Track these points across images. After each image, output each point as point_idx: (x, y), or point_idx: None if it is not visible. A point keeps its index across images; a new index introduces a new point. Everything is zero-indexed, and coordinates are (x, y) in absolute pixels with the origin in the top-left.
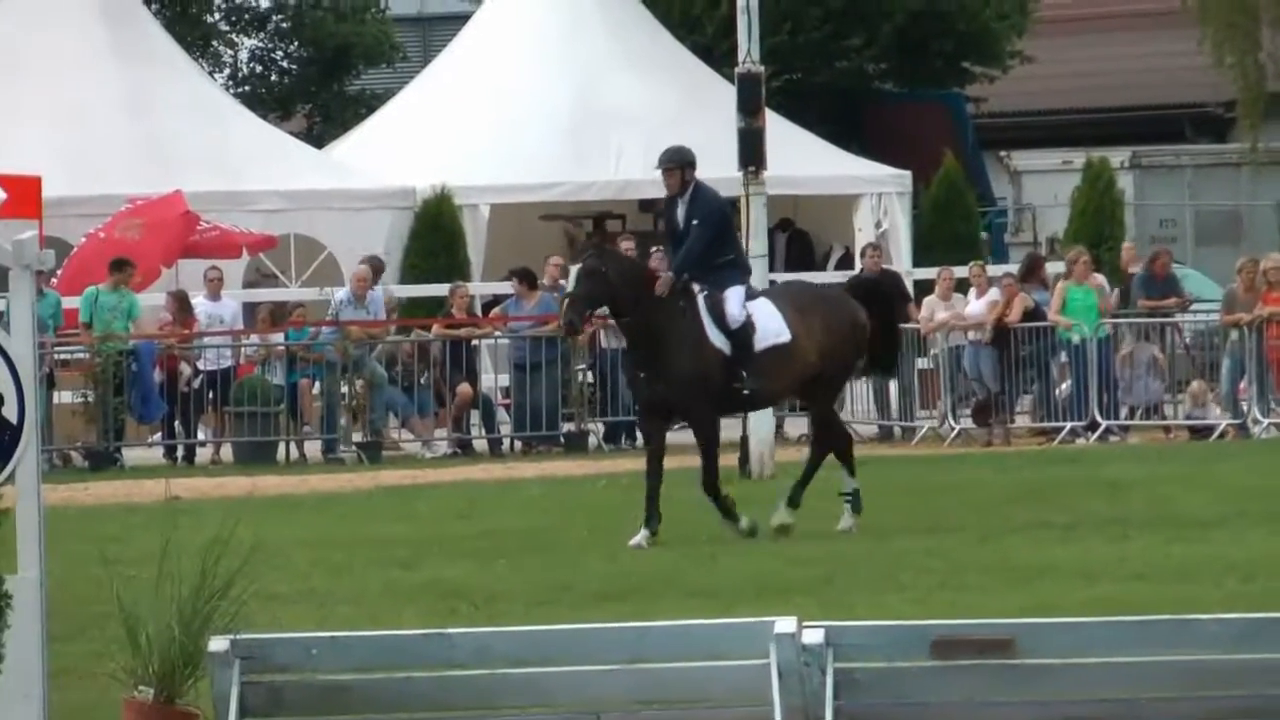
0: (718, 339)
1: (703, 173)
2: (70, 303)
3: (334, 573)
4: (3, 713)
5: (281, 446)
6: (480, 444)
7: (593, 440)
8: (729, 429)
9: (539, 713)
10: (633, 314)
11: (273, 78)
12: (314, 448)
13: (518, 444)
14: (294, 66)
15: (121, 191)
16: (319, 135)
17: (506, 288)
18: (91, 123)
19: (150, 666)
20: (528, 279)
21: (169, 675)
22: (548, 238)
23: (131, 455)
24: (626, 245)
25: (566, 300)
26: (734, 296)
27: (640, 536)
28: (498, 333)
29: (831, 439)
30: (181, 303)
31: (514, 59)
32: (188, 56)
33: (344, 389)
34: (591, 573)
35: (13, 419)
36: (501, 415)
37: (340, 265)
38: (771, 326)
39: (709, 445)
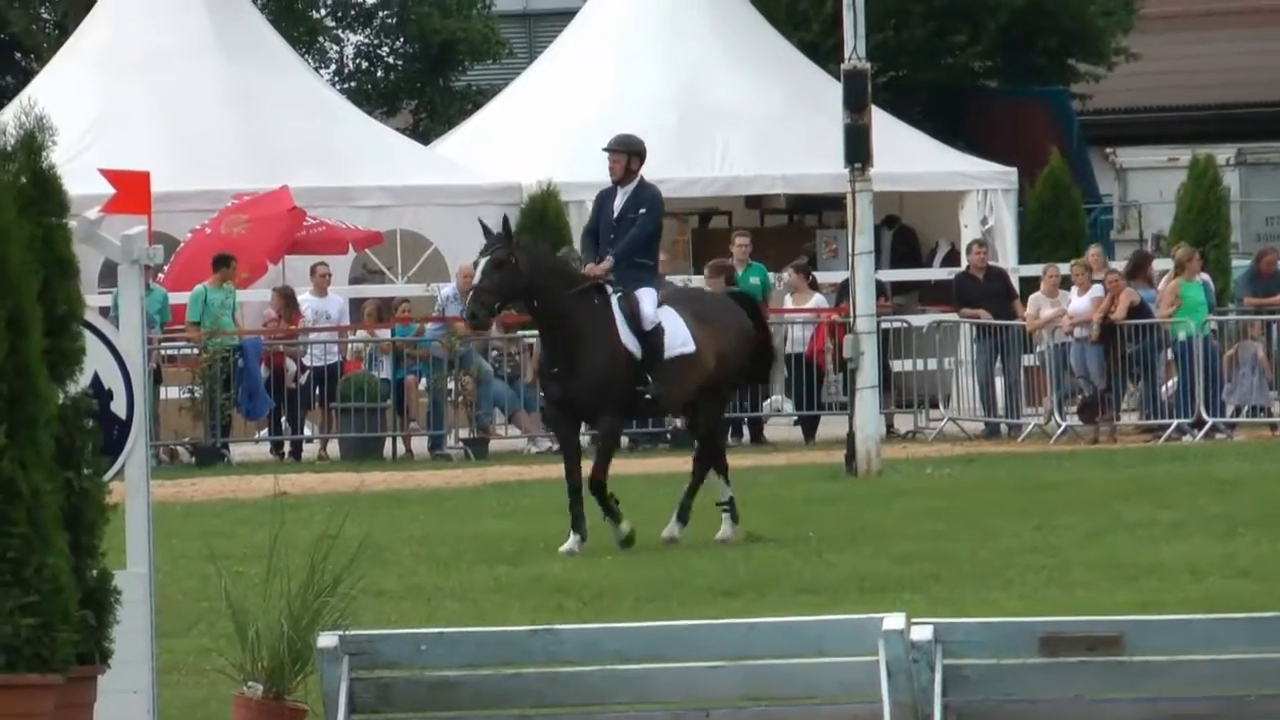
0: (629, 341)
1: (808, 169)
2: (177, 298)
3: (441, 569)
4: (112, 708)
5: (388, 442)
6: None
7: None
8: (836, 425)
9: (647, 709)
10: (546, 307)
11: (378, 73)
12: (420, 444)
13: (623, 440)
14: (400, 62)
15: (228, 187)
16: (425, 131)
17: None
18: (197, 119)
19: (259, 662)
20: None
21: (278, 671)
22: None
23: (238, 451)
24: (741, 241)
25: (471, 293)
26: (648, 297)
27: (571, 542)
28: None
29: (713, 449)
30: (288, 299)
31: (620, 55)
32: (294, 52)
33: (450, 385)
34: (698, 569)
35: (122, 414)
36: None
37: (446, 261)
38: (679, 335)
39: (609, 445)
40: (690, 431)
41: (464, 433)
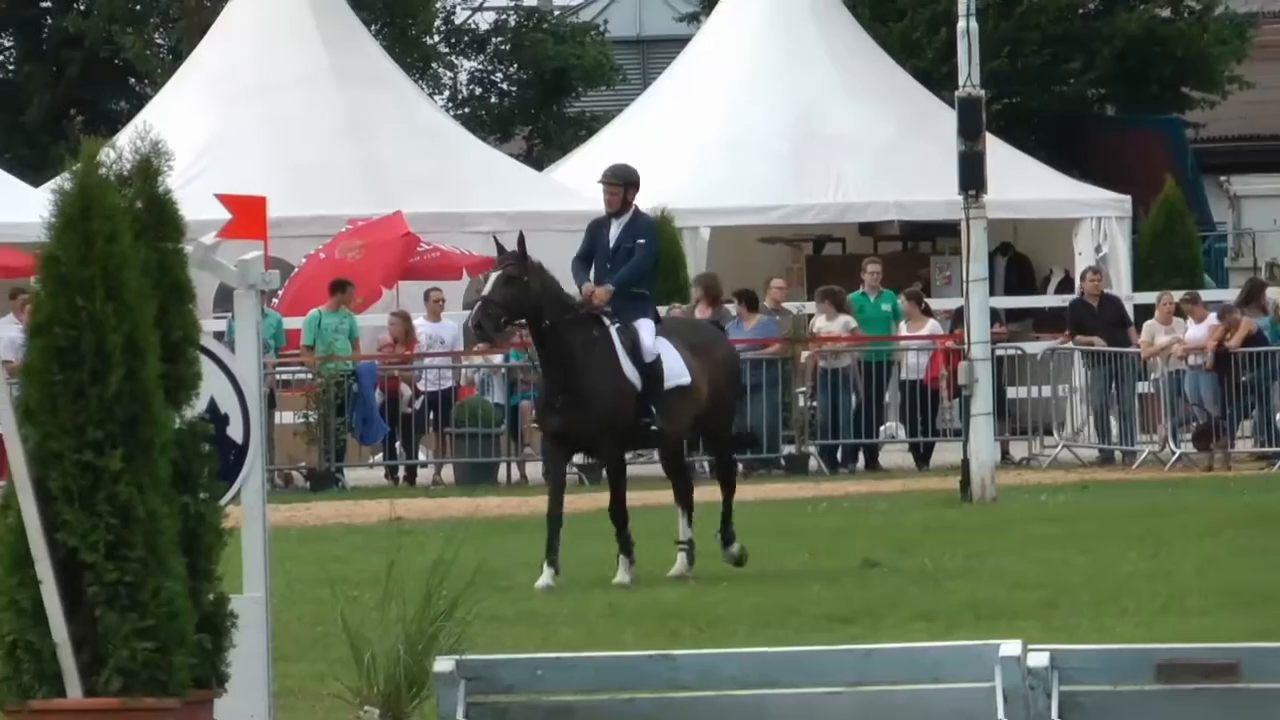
0: (631, 373)
1: (922, 195)
2: (292, 323)
3: (555, 594)
4: None
5: (503, 467)
6: (701, 466)
7: (813, 463)
8: (951, 452)
9: None
10: (550, 331)
11: (492, 100)
12: (535, 469)
13: (738, 466)
14: (513, 88)
15: (342, 213)
16: (538, 157)
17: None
18: (312, 144)
19: (375, 687)
20: (748, 301)
21: (394, 696)
22: (768, 260)
23: (353, 476)
24: (873, 268)
25: (479, 303)
26: (647, 329)
27: (546, 576)
28: None
29: (727, 475)
30: (403, 324)
31: (734, 82)
32: (408, 78)
33: None
34: (813, 595)
35: (238, 439)
36: None
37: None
38: (675, 367)
39: (619, 477)
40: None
41: (578, 458)
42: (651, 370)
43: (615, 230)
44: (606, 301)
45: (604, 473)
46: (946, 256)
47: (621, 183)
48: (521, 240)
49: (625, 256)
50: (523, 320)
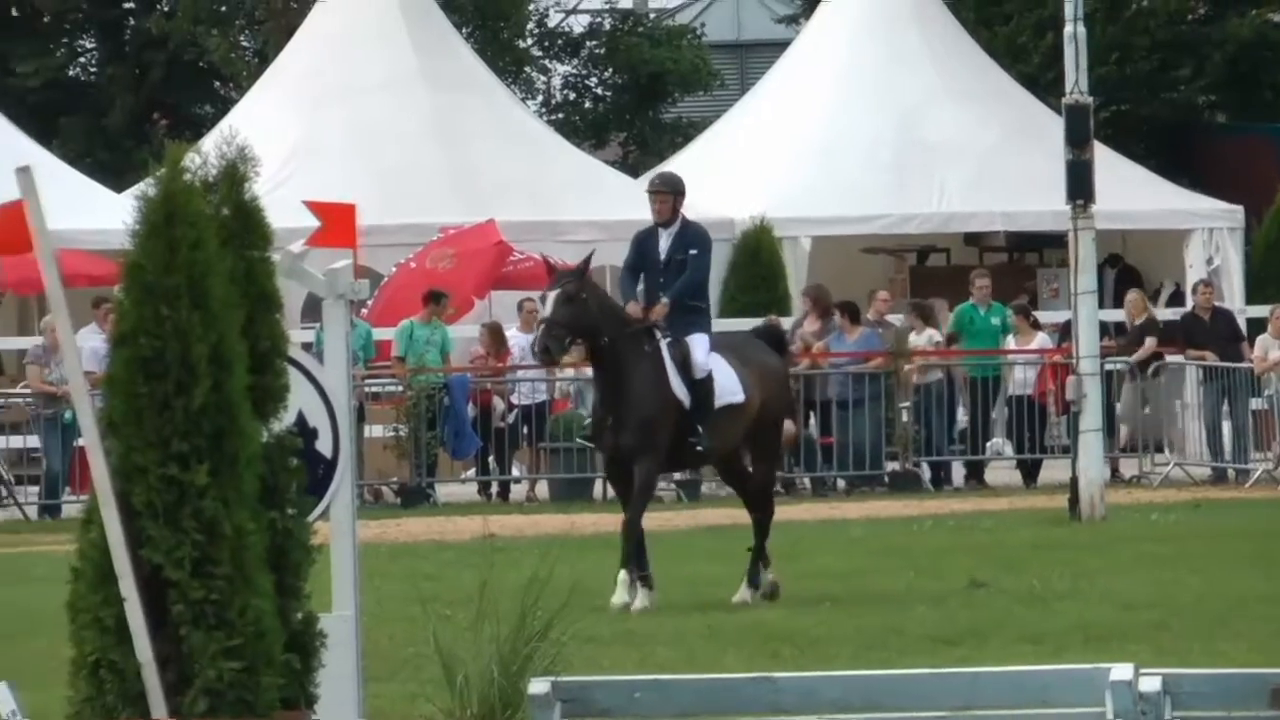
0: (680, 389)
1: (1030, 205)
2: (381, 334)
3: (653, 614)
4: None
5: (598, 484)
6: (803, 482)
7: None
8: (1059, 469)
9: None
10: (608, 348)
11: (586, 105)
12: None
13: (841, 483)
14: (608, 93)
15: (433, 221)
16: (634, 164)
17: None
18: (402, 150)
19: (468, 709)
20: (850, 313)
21: (488, 718)
22: (870, 271)
23: (444, 491)
24: (982, 282)
25: (543, 325)
26: (700, 344)
27: (640, 597)
28: (820, 368)
29: (765, 505)
30: (495, 335)
31: (835, 88)
32: (500, 82)
33: None
34: (918, 616)
35: (327, 453)
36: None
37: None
38: (728, 385)
39: (646, 495)
40: (740, 483)
41: (676, 475)
42: (701, 387)
43: (665, 241)
44: (664, 316)
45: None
46: (1054, 268)
47: (671, 191)
48: (588, 259)
49: (678, 268)
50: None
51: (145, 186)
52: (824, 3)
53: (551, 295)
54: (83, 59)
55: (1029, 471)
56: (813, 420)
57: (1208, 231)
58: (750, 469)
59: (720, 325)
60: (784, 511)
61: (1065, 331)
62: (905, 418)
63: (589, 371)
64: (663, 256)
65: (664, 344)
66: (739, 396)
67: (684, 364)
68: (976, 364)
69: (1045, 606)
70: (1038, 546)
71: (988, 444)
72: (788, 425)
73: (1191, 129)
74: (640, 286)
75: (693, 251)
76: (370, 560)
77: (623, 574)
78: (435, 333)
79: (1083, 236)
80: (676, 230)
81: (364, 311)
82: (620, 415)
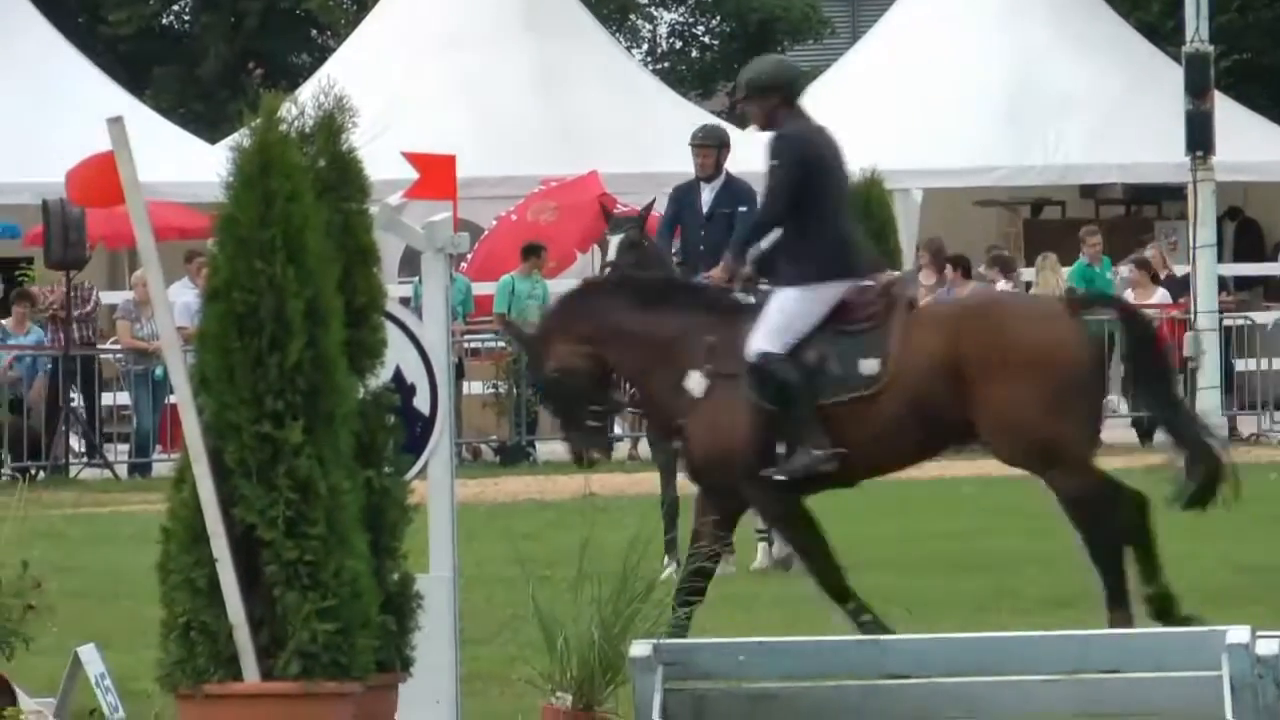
0: None
1: (1148, 156)
2: (480, 289)
3: (757, 575)
4: (413, 718)
5: None
6: None
7: None
8: None
9: None
10: None
11: (693, 54)
12: None
13: None
14: (715, 42)
15: (534, 172)
16: (742, 115)
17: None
18: (503, 100)
19: (568, 672)
20: (963, 267)
21: (587, 682)
22: (983, 224)
23: (544, 450)
24: (1093, 240)
25: (608, 271)
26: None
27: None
28: None
29: None
30: None
31: (949, 37)
32: (604, 31)
33: None
34: (1030, 578)
35: (425, 410)
36: None
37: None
38: None
39: None
40: None
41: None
42: None
43: (707, 195)
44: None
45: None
46: (1172, 221)
47: (715, 144)
48: (649, 206)
49: (722, 223)
50: None
51: (240, 137)
52: None
53: (615, 240)
54: (176, 7)
55: (1145, 430)
56: None
57: None
58: None
59: None
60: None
61: (1183, 287)
62: None
63: None
64: (705, 211)
65: None
66: None
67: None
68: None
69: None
70: (1154, 506)
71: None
72: None
73: None
74: (675, 243)
75: (742, 209)
76: (468, 520)
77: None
78: (536, 287)
79: (1202, 189)
80: (720, 185)
81: (463, 265)
82: None
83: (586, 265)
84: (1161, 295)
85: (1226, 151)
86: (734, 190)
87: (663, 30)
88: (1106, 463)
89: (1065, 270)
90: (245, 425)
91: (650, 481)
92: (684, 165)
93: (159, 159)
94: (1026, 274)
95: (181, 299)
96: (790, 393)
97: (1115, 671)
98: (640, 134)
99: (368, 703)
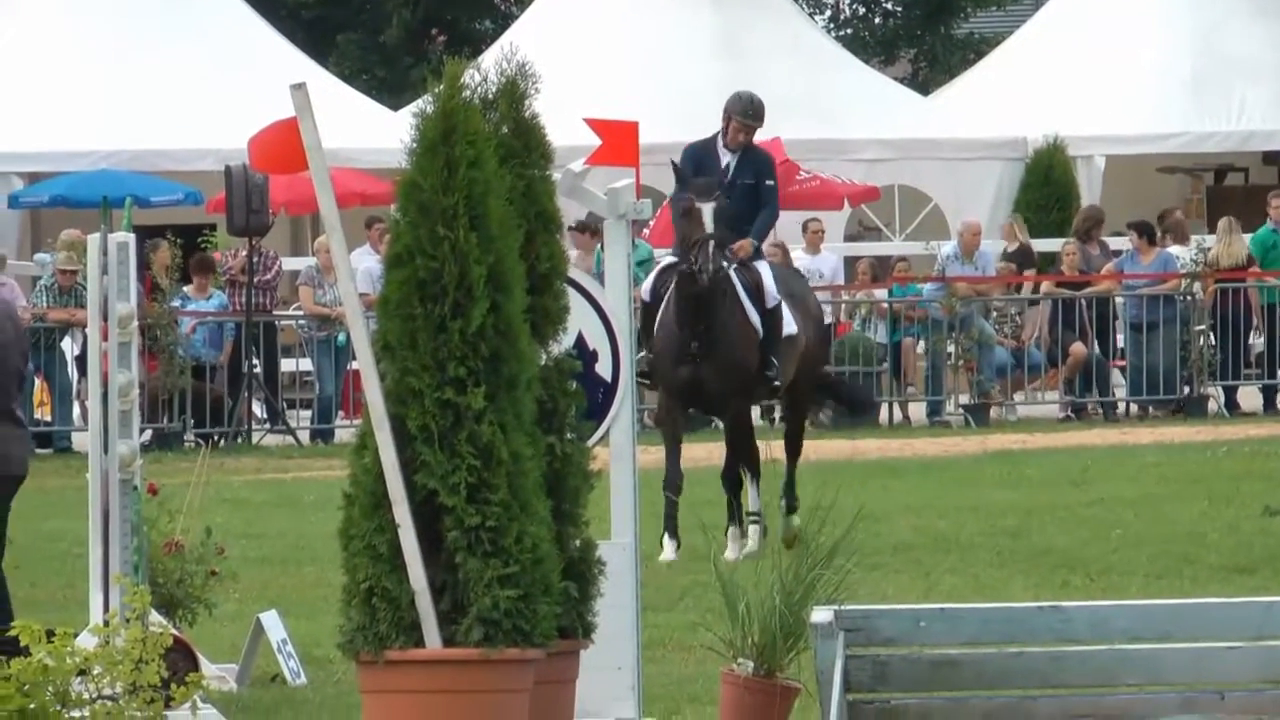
0: (755, 318)
1: None
2: (663, 254)
3: (939, 541)
4: (594, 685)
5: (884, 408)
6: (1095, 408)
7: (1213, 405)
8: None
9: (1158, 690)
10: (695, 274)
11: (876, 20)
12: (918, 410)
13: (1133, 408)
14: (899, 9)
15: None
16: (924, 81)
17: (1123, 243)
18: (686, 67)
19: (749, 638)
20: (1146, 233)
21: (769, 647)
22: (1165, 190)
23: None
24: (1277, 202)
25: (709, 244)
26: (767, 272)
27: (668, 550)
28: (1114, 290)
29: (798, 438)
30: (783, 256)
31: (1131, 3)
32: None
33: (950, 348)
34: (1212, 544)
35: (607, 376)
36: (1116, 378)
37: (946, 217)
38: (786, 315)
39: (744, 437)
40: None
41: (964, 398)
42: (772, 316)
43: (729, 160)
44: (752, 252)
45: (726, 432)
46: None
47: (758, 123)
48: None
49: (744, 193)
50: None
51: (423, 104)
52: None
53: (708, 208)
54: None
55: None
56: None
57: None
58: (782, 413)
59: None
60: (1074, 437)
61: None
62: (1201, 341)
63: (879, 293)
64: (729, 178)
65: (732, 271)
66: (794, 328)
67: (756, 291)
68: (1272, 286)
69: None
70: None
71: None
72: (1077, 347)
73: None
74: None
75: (769, 183)
76: (651, 487)
77: (732, 529)
78: None
79: None
80: (742, 153)
81: (645, 232)
82: (707, 350)
83: None
84: None
85: None
86: (756, 161)
87: None
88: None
89: (1248, 236)
90: (427, 391)
91: (833, 449)
92: (866, 131)
93: (341, 125)
94: (1210, 240)
95: (363, 265)
96: None
97: None
98: (822, 100)
99: (550, 669)
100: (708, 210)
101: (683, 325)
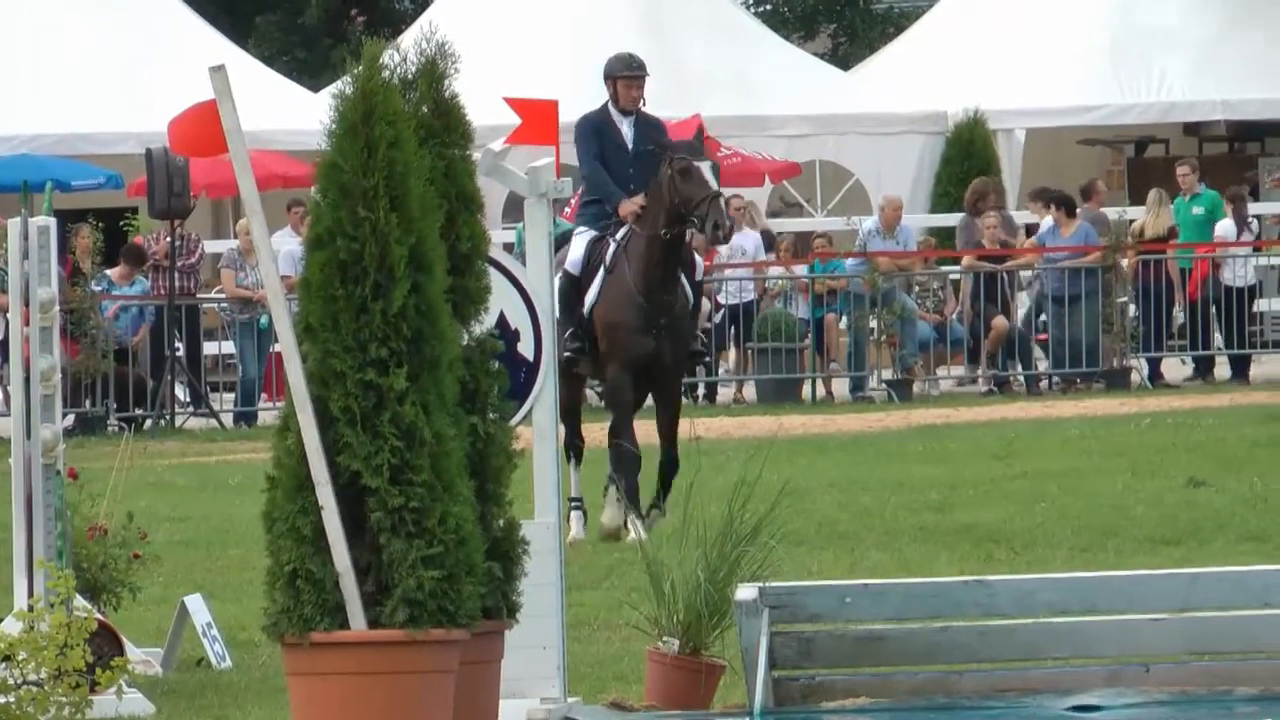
0: (688, 290)
1: (1252, 93)
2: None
3: (863, 516)
4: (520, 664)
5: (807, 384)
6: (1017, 380)
7: (1135, 377)
8: (1272, 365)
9: (1084, 663)
10: (671, 244)
11: None
12: (841, 385)
13: (1056, 381)
14: None
15: None
16: (844, 56)
17: (1028, 216)
18: (607, 44)
19: (675, 616)
20: (1066, 206)
21: (694, 625)
22: (1086, 163)
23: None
24: (1182, 170)
25: (722, 201)
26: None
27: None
28: (1034, 264)
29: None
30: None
31: None
32: None
33: (872, 324)
34: (1136, 517)
35: (529, 356)
36: (1037, 351)
37: (868, 193)
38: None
39: (677, 414)
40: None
41: (887, 374)
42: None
43: (627, 129)
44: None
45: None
46: (1277, 158)
47: (644, 76)
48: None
49: (648, 161)
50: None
51: (342, 85)
52: None
53: (706, 166)
54: None
55: (1240, 368)
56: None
57: None
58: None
59: (935, 220)
60: (998, 410)
61: None
62: (1124, 313)
63: (800, 270)
64: (630, 147)
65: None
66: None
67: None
68: (1185, 257)
69: (1267, 505)
70: (1259, 444)
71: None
72: (999, 320)
73: None
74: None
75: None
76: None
77: (612, 490)
78: None
79: None
80: (636, 119)
81: (566, 210)
82: (670, 322)
83: None
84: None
85: None
86: (651, 126)
87: None
88: (1211, 400)
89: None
90: (349, 373)
91: (757, 425)
92: (786, 108)
93: (262, 107)
94: (1133, 211)
95: (284, 248)
96: None
97: (1222, 609)
98: (743, 77)
99: (475, 649)
100: (706, 167)
101: (651, 298)
